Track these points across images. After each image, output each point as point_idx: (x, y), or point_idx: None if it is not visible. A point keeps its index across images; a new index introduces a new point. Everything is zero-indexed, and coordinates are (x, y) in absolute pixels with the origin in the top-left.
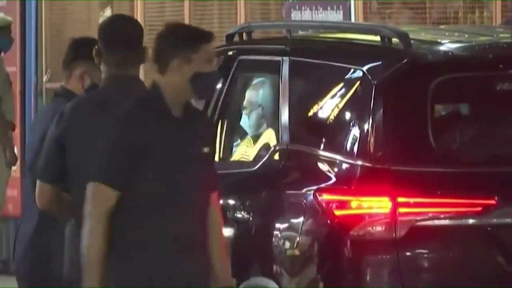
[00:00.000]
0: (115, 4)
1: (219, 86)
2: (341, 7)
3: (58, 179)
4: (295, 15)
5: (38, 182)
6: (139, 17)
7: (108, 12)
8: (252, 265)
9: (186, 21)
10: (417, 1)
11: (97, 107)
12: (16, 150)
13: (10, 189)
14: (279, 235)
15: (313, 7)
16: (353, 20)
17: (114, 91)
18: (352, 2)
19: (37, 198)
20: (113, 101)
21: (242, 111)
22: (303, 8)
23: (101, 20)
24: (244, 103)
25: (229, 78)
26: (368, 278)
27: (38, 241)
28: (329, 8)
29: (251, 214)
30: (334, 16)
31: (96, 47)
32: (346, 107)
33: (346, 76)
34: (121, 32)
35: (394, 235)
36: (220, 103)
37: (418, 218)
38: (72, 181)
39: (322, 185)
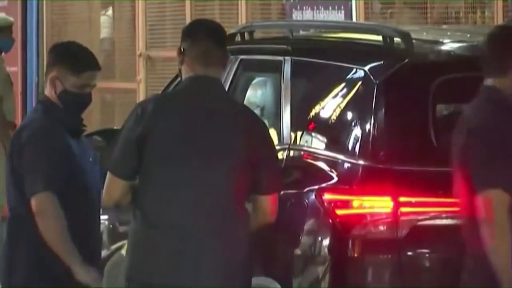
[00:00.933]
0: (116, 4)
1: None
2: (342, 7)
3: (133, 176)
4: (297, 15)
5: (111, 177)
6: (140, 17)
7: (109, 12)
8: (254, 265)
9: (187, 21)
10: (418, 1)
11: (179, 107)
12: None
13: None
14: (281, 235)
15: (315, 7)
16: (354, 20)
17: (196, 91)
18: (354, 2)
19: (108, 192)
20: (195, 102)
21: None
22: (304, 8)
23: (102, 19)
24: (245, 103)
25: (231, 78)
26: (370, 277)
27: (6, 249)
28: (330, 8)
29: None
30: (336, 16)
31: (180, 47)
32: (348, 106)
33: (348, 76)
34: (208, 27)
35: (395, 234)
36: None
37: (420, 217)
38: (144, 178)
39: (324, 184)
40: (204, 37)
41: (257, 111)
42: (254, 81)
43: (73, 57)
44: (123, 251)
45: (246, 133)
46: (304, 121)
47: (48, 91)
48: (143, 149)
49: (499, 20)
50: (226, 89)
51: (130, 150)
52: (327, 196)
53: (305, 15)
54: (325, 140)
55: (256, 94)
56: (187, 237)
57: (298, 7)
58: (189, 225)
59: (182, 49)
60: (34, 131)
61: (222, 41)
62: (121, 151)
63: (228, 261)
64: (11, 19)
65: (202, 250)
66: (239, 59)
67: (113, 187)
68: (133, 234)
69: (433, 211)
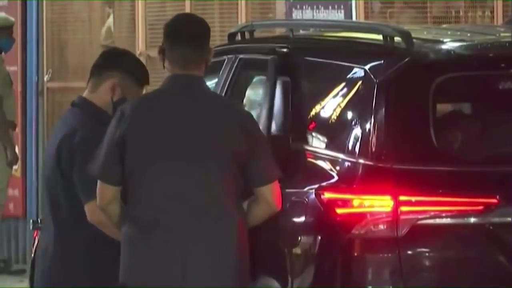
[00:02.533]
0: (116, 4)
1: (221, 85)
2: (342, 6)
3: (120, 180)
4: (296, 14)
5: (100, 183)
6: (140, 17)
7: (109, 11)
8: (254, 264)
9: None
10: (418, 0)
11: (159, 106)
12: (17, 150)
13: (11, 189)
14: (281, 234)
15: (314, 7)
16: (354, 19)
17: (175, 91)
18: (353, 1)
19: (99, 197)
20: (174, 101)
21: None
22: (304, 7)
23: (101, 18)
24: (244, 102)
25: (231, 77)
26: (370, 276)
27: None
28: (330, 7)
29: None
30: (335, 15)
31: (162, 45)
32: (348, 106)
33: (348, 75)
34: (187, 32)
35: (395, 233)
36: None
37: (420, 216)
38: (129, 181)
39: (324, 183)
40: (183, 44)
41: (257, 110)
42: (253, 81)
43: (142, 68)
44: None
45: (232, 127)
46: (304, 120)
47: (98, 96)
48: (124, 152)
49: (499, 20)
50: (226, 88)
51: (112, 155)
52: (327, 195)
53: (305, 14)
54: (325, 139)
55: (254, 94)
56: (177, 238)
57: (298, 7)
58: (179, 226)
59: (163, 48)
60: (85, 137)
61: (202, 45)
62: (104, 156)
63: (218, 261)
64: (12, 19)
65: (192, 251)
66: (238, 58)
67: (103, 192)
68: (127, 238)
69: (433, 210)
